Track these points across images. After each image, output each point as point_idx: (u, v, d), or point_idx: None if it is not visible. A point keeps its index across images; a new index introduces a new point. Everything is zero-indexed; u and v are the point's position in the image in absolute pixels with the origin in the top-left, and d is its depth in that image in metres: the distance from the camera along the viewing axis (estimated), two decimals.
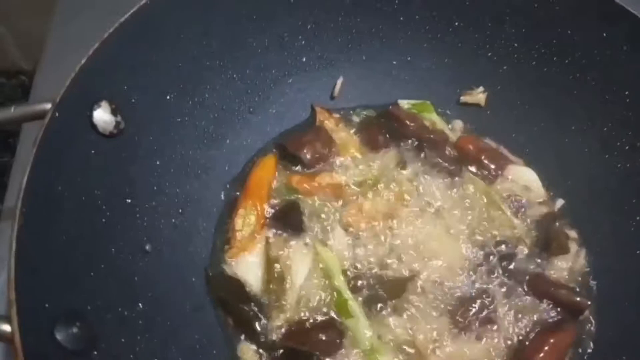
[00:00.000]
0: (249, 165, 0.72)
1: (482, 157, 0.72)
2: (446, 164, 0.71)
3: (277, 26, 0.73)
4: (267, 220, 0.67)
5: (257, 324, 0.61)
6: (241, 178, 0.71)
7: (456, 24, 0.75)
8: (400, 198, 0.68)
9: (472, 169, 0.72)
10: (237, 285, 0.63)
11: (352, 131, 0.74)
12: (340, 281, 0.62)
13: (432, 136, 0.72)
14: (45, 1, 1.01)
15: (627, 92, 0.70)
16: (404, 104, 0.78)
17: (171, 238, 0.64)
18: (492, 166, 0.72)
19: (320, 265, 0.63)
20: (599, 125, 0.72)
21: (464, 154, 0.73)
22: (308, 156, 0.69)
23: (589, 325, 0.65)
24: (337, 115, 0.75)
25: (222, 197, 0.70)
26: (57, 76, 0.79)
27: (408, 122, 0.72)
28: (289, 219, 0.67)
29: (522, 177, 0.72)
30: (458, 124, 0.77)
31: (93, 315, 0.52)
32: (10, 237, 0.48)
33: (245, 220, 0.65)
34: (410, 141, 0.72)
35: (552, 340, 0.62)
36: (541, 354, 0.60)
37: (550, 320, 0.64)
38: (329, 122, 0.73)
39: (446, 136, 0.74)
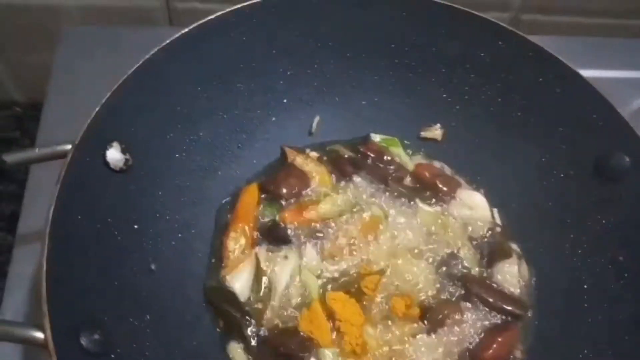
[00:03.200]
0: (236, 194, 0.82)
1: (437, 182, 0.83)
2: (405, 195, 0.82)
3: (261, 72, 0.83)
4: (257, 237, 0.77)
5: (246, 329, 0.70)
6: (231, 204, 0.81)
7: (415, 70, 0.87)
8: (371, 224, 0.79)
9: (428, 193, 0.83)
10: (229, 295, 0.73)
11: (321, 163, 0.84)
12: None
13: (396, 175, 0.84)
14: (44, 38, 1.09)
15: (560, 129, 0.81)
16: (376, 137, 0.89)
17: (172, 258, 0.73)
18: (445, 189, 0.83)
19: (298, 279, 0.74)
20: (538, 157, 0.83)
21: (421, 180, 0.84)
22: (285, 191, 0.80)
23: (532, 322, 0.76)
24: (307, 151, 0.86)
25: (215, 221, 0.79)
26: (61, 115, 0.90)
27: (377, 157, 0.84)
28: (277, 233, 0.77)
29: (471, 200, 0.84)
30: (418, 157, 0.89)
31: (109, 325, 0.61)
32: (39, 259, 0.57)
33: (236, 242, 0.75)
34: (375, 174, 0.83)
35: (499, 339, 0.72)
36: (490, 351, 0.71)
37: (498, 321, 0.75)
38: (298, 158, 0.83)
39: (407, 172, 0.85)
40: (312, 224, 0.78)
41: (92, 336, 0.58)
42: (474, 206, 0.84)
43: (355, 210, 0.81)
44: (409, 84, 0.88)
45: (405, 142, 0.89)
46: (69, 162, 0.63)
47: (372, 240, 0.78)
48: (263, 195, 0.81)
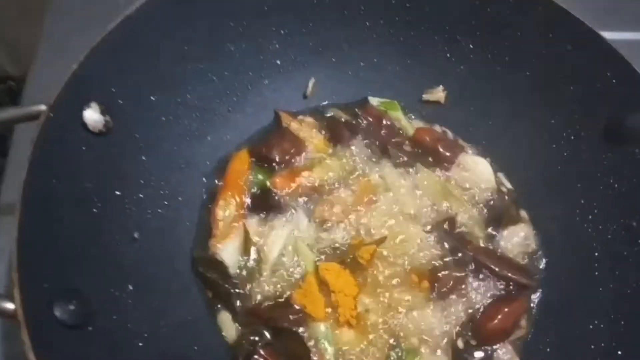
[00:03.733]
0: (226, 160, 0.78)
1: (438, 147, 0.79)
2: (405, 160, 0.78)
3: (253, 32, 0.78)
4: (247, 207, 0.73)
5: (236, 300, 0.67)
6: (220, 171, 0.77)
7: (417, 28, 0.81)
8: (368, 190, 0.74)
9: (429, 158, 0.79)
10: (218, 265, 0.69)
11: (316, 128, 0.80)
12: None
13: (395, 140, 0.79)
14: (34, 10, 1.06)
15: (571, 88, 0.76)
16: (374, 101, 0.84)
17: (158, 226, 0.69)
18: (448, 154, 0.79)
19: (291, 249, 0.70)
20: (548, 118, 0.78)
21: (421, 145, 0.79)
22: (278, 156, 0.76)
23: (540, 292, 0.72)
24: (300, 117, 0.81)
25: (204, 189, 0.75)
26: (47, 80, 0.87)
27: (375, 121, 0.79)
28: (268, 201, 0.73)
29: (475, 165, 0.79)
30: (419, 122, 0.84)
31: (87, 295, 0.58)
32: (12, 226, 0.54)
33: (225, 211, 0.71)
34: (373, 139, 0.79)
35: (505, 309, 0.69)
36: (495, 321, 0.67)
37: (504, 291, 0.71)
38: (293, 123, 0.79)
39: (407, 136, 0.80)
40: (306, 191, 0.73)
41: (68, 307, 0.55)
42: (477, 172, 0.79)
43: (352, 176, 0.76)
44: (410, 43, 0.83)
45: (406, 105, 0.84)
46: (43, 124, 0.60)
47: (369, 207, 0.73)
48: (254, 161, 0.76)
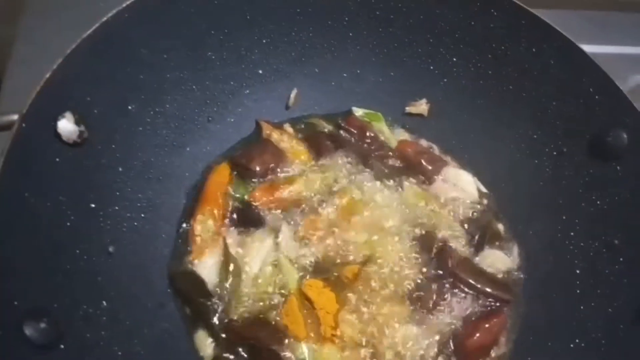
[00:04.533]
0: (206, 172, 0.76)
1: (421, 160, 0.78)
2: (388, 174, 0.77)
3: (234, 40, 0.77)
4: (227, 221, 0.71)
5: (214, 317, 0.65)
6: (199, 184, 0.75)
7: (400, 39, 0.81)
8: (350, 205, 0.73)
9: (412, 171, 0.78)
10: (196, 280, 0.67)
11: (298, 140, 0.79)
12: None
13: (378, 153, 0.78)
14: (9, 10, 1.03)
15: (554, 103, 0.77)
16: (359, 112, 0.83)
17: (134, 240, 0.67)
18: (430, 167, 0.78)
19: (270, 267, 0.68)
20: (530, 133, 0.78)
21: (404, 158, 0.79)
22: (258, 168, 0.74)
23: (520, 309, 0.72)
24: (284, 126, 0.80)
25: (182, 201, 0.73)
26: (22, 87, 0.83)
27: (359, 133, 0.78)
28: (248, 216, 0.72)
29: (458, 178, 0.79)
30: (403, 133, 0.83)
31: (59, 312, 0.55)
32: None
33: (203, 226, 0.69)
34: (356, 152, 0.78)
35: (485, 325, 0.68)
36: (474, 338, 0.67)
37: (484, 306, 0.70)
38: (274, 134, 0.78)
39: (390, 149, 0.79)
40: (287, 205, 0.72)
41: (38, 325, 0.53)
42: (460, 185, 0.78)
43: (334, 190, 0.75)
44: (393, 55, 0.82)
45: (389, 117, 0.84)
46: (15, 134, 0.57)
47: (351, 222, 0.72)
48: (234, 173, 0.75)
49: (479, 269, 0.72)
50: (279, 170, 0.75)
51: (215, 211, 0.71)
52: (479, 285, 0.70)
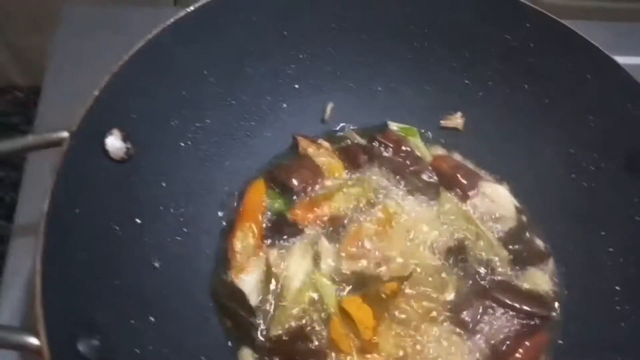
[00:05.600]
0: (244, 188, 0.76)
1: (457, 174, 0.78)
2: (424, 188, 0.77)
3: (272, 56, 0.78)
4: (266, 236, 0.72)
5: (256, 332, 0.66)
6: (238, 199, 0.76)
7: (435, 53, 0.81)
8: (389, 220, 0.74)
9: (447, 186, 0.78)
10: (238, 294, 0.68)
11: (334, 154, 0.79)
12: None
13: (414, 167, 0.79)
14: (45, 18, 1.04)
15: (591, 117, 0.76)
16: (394, 126, 0.84)
17: (177, 255, 0.68)
18: (466, 182, 0.78)
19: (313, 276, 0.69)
20: (567, 147, 0.78)
21: (439, 173, 0.79)
22: (297, 183, 0.75)
23: (560, 327, 0.71)
24: (320, 141, 0.81)
25: (223, 215, 0.74)
26: (60, 101, 0.85)
27: (394, 147, 0.79)
28: (285, 228, 0.72)
29: (494, 193, 0.78)
30: (437, 148, 0.83)
31: (109, 328, 0.57)
32: (34, 258, 0.53)
33: (243, 242, 0.70)
34: (392, 166, 0.78)
35: (527, 343, 0.68)
36: (516, 355, 0.67)
37: (525, 324, 0.70)
38: (310, 149, 0.78)
39: (426, 164, 0.80)
40: (327, 220, 0.73)
41: (91, 341, 0.54)
42: (497, 200, 0.78)
43: (371, 203, 0.75)
44: (428, 69, 0.83)
45: (424, 131, 0.84)
46: (65, 152, 0.58)
47: (389, 237, 0.73)
48: (272, 187, 0.76)
49: (517, 287, 0.72)
50: (316, 185, 0.76)
51: (254, 227, 0.71)
52: (517, 305, 0.69)
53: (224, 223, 0.74)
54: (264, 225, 0.73)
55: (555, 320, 0.71)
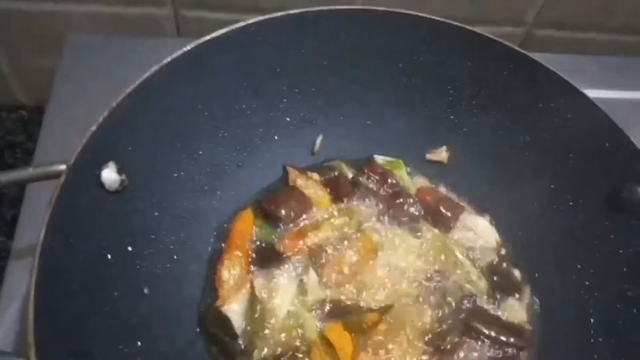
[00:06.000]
0: (233, 217, 0.79)
1: (440, 207, 0.81)
2: (408, 220, 0.80)
3: (264, 91, 0.81)
4: (252, 263, 0.75)
5: (240, 357, 0.69)
6: (226, 229, 0.78)
7: (422, 90, 0.84)
8: (371, 250, 0.77)
9: (430, 218, 0.81)
10: (224, 322, 0.71)
11: (322, 185, 0.83)
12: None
13: (398, 200, 0.81)
14: (51, 42, 1.09)
15: (571, 155, 0.79)
16: (379, 159, 0.87)
17: (166, 281, 0.71)
18: (449, 214, 0.81)
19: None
20: (547, 183, 0.80)
21: (424, 204, 0.82)
22: (284, 214, 0.78)
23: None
24: (309, 173, 0.84)
25: (212, 244, 0.78)
26: (61, 130, 0.89)
27: (380, 179, 0.82)
28: (270, 256, 0.75)
29: (476, 225, 0.81)
30: (421, 180, 0.87)
31: (98, 353, 0.59)
32: (28, 286, 0.56)
33: (230, 271, 0.73)
34: (377, 198, 0.81)
35: None
36: None
37: (502, 353, 0.72)
38: (300, 180, 0.82)
39: (410, 196, 0.83)
40: (313, 250, 0.76)
41: None
42: (478, 232, 0.81)
43: (356, 234, 0.78)
44: (415, 104, 0.86)
45: (410, 164, 0.87)
46: (62, 184, 0.62)
47: (371, 266, 0.76)
48: (261, 217, 0.79)
49: (495, 317, 0.75)
50: (304, 215, 0.79)
51: (242, 257, 0.74)
52: (493, 334, 0.72)
53: (213, 250, 0.77)
54: (251, 254, 0.76)
55: (530, 352, 0.74)
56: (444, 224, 0.81)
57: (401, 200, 0.82)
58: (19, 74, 1.38)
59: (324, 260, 0.75)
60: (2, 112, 1.51)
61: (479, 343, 0.73)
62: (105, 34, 1.09)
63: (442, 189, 0.86)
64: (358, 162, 0.86)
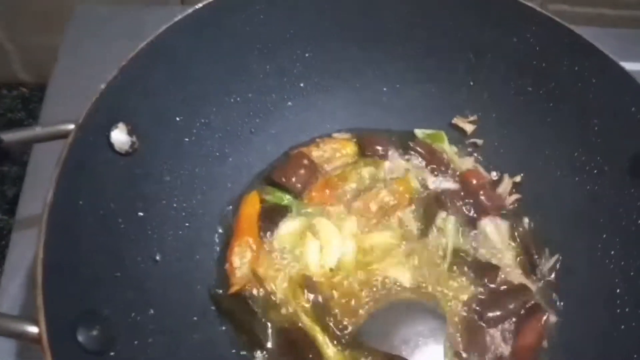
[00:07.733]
0: (239, 200, 0.77)
1: (480, 193, 0.79)
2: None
3: (277, 55, 0.78)
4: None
5: (257, 331, 0.67)
6: (234, 209, 0.76)
7: (442, 57, 0.82)
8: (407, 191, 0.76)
9: (466, 200, 0.79)
10: (238, 298, 0.69)
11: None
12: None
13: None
14: (55, 18, 1.06)
15: (595, 121, 0.76)
16: (419, 133, 0.84)
17: (179, 248, 0.69)
18: (488, 204, 0.79)
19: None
20: (571, 150, 0.78)
21: (465, 184, 0.80)
22: (297, 184, 0.76)
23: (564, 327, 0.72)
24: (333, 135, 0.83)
25: (224, 210, 0.75)
26: (66, 94, 0.86)
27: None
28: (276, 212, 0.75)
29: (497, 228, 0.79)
30: (468, 160, 0.84)
31: (110, 319, 0.57)
32: (36, 247, 0.53)
33: (241, 257, 0.70)
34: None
35: (526, 326, 0.70)
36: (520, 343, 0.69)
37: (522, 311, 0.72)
38: (314, 152, 0.80)
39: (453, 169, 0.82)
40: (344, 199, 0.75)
41: (91, 332, 0.54)
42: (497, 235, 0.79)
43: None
44: (433, 71, 0.83)
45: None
46: (70, 143, 0.58)
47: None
48: (270, 187, 0.77)
49: (495, 295, 0.73)
50: (314, 183, 0.77)
51: (251, 241, 0.72)
52: (504, 313, 0.72)
53: (225, 222, 0.75)
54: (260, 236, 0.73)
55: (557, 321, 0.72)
56: (477, 210, 0.79)
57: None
58: (21, 51, 1.36)
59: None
60: (2, 90, 1.48)
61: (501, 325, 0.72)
62: (111, 4, 1.05)
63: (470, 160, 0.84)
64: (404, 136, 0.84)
